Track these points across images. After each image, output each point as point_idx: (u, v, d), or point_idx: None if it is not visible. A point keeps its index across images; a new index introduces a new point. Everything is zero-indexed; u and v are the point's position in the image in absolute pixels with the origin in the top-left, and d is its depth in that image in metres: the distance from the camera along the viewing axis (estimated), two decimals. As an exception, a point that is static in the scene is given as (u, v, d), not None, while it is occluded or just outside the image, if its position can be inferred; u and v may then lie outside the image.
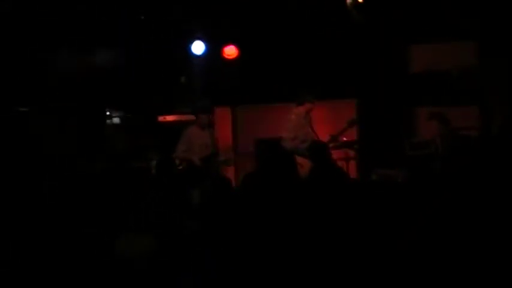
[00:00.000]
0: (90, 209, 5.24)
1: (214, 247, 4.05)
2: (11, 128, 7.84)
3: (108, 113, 8.75)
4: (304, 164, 7.41)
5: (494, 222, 2.49)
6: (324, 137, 8.07)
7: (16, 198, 5.74)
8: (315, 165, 6.20)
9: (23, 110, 8.07)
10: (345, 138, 8.31)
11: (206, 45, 9.49)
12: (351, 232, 4.03)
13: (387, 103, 9.26)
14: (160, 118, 9.47)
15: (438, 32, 8.75)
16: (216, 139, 8.32)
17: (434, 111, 7.89)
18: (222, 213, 4.39)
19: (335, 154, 7.84)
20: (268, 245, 3.84)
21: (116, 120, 8.03)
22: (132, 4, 8.69)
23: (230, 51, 9.61)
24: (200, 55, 9.55)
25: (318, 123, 8.39)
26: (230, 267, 3.83)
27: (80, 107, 8.43)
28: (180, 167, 7.71)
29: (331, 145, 7.69)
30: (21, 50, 8.12)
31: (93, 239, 4.50)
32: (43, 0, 7.97)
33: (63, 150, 7.83)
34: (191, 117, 8.59)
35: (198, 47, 9.50)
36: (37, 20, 7.99)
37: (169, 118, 9.47)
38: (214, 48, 9.54)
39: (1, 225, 4.93)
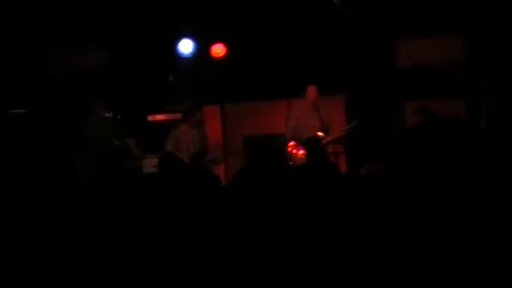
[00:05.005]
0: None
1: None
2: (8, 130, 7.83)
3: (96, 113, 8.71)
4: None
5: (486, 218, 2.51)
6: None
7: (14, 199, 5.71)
8: (308, 160, 6.29)
9: (20, 111, 8.06)
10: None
11: (194, 44, 9.48)
12: (341, 227, 4.05)
13: (375, 98, 9.30)
14: (150, 118, 9.42)
15: (425, 27, 8.79)
16: (206, 137, 8.31)
17: (422, 105, 7.96)
18: (211, 209, 4.40)
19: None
20: (259, 242, 3.85)
21: (105, 119, 7.97)
22: (119, 2, 8.67)
23: (218, 49, 9.60)
24: (188, 53, 9.53)
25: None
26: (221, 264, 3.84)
27: (68, 106, 8.40)
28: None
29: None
30: (9, 51, 8.09)
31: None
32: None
33: (55, 150, 7.81)
34: (179, 116, 8.56)
35: (185, 46, 9.48)
36: (24, 20, 7.96)
37: (159, 117, 9.40)
38: (202, 47, 9.52)
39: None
